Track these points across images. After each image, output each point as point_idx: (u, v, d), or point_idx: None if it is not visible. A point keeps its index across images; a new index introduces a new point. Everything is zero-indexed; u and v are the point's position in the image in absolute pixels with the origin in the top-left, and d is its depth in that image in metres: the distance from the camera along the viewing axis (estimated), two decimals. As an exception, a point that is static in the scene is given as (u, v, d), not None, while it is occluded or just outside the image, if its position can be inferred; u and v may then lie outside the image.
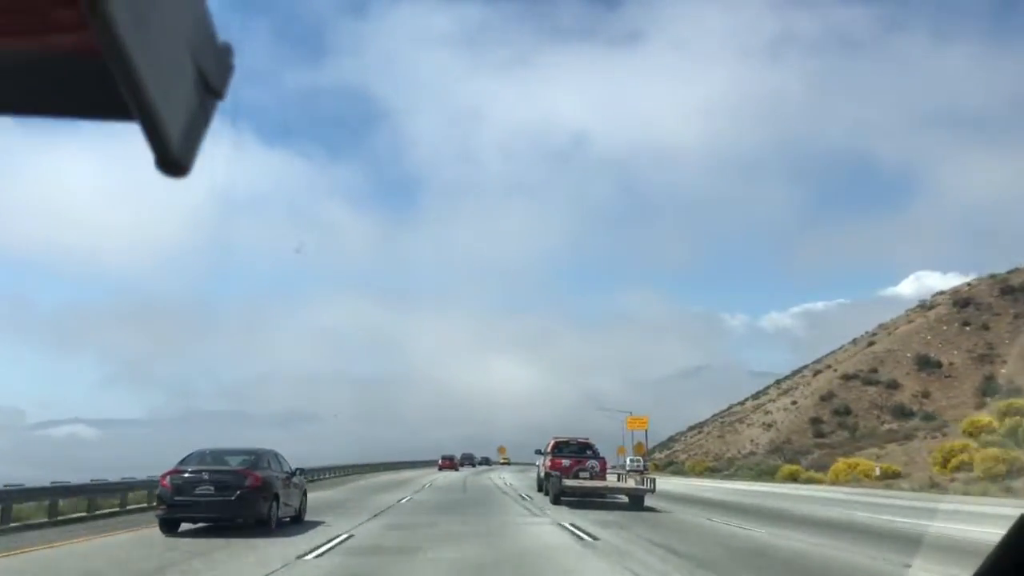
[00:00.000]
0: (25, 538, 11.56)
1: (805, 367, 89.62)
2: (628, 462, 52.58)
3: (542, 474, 24.53)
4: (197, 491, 11.53)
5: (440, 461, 60.02)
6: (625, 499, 20.46)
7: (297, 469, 13.92)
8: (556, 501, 19.87)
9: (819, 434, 67.28)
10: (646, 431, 68.79)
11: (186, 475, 11.64)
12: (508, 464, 74.05)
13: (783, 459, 55.40)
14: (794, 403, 76.46)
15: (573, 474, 21.86)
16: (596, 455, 24.00)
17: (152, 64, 0.65)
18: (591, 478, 22.27)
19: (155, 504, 13.16)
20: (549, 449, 24.05)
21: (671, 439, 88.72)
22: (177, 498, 11.42)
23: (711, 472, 58.62)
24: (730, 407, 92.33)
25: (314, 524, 13.31)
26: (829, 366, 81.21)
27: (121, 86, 0.65)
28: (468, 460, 74.25)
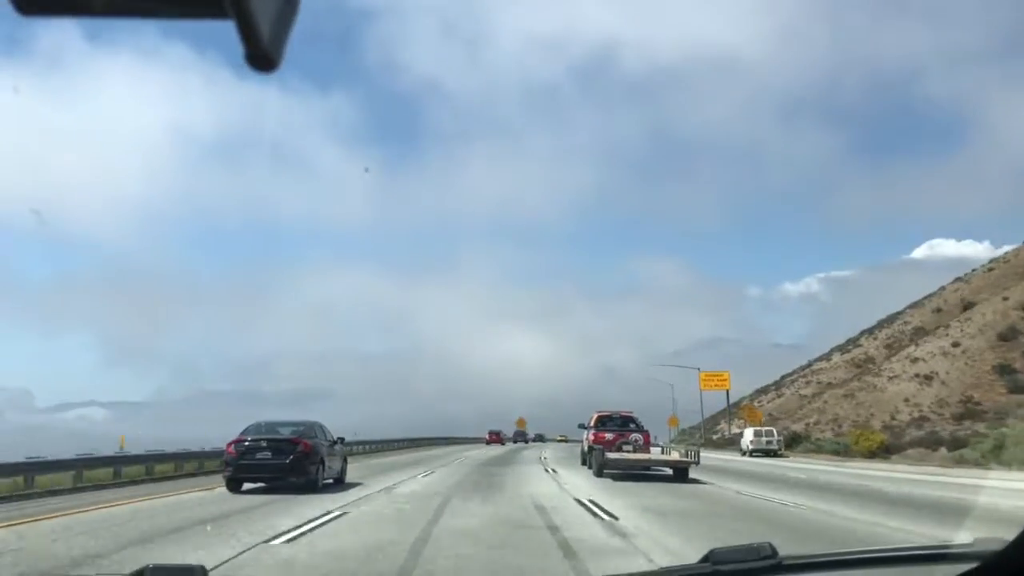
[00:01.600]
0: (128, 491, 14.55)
1: (902, 311, 79.18)
2: (750, 441, 42.61)
3: (585, 448, 25.39)
4: (257, 456, 14.13)
5: (488, 436, 64.82)
6: (670, 471, 20.76)
7: (339, 438, 16.45)
8: (599, 474, 20.44)
9: (1019, 387, 51.03)
10: (727, 391, 59.55)
11: (247, 443, 14.29)
12: (565, 442, 69.40)
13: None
14: (956, 346, 60.81)
15: (616, 447, 22.46)
16: (639, 428, 24.76)
17: None
18: (634, 451, 22.66)
19: (221, 467, 15.92)
20: (592, 423, 24.99)
21: (736, 406, 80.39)
22: (241, 461, 14.05)
23: (885, 452, 38.10)
24: (810, 363, 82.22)
25: (353, 484, 15.98)
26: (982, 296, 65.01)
27: None
28: (521, 437, 76.46)
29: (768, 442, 41.89)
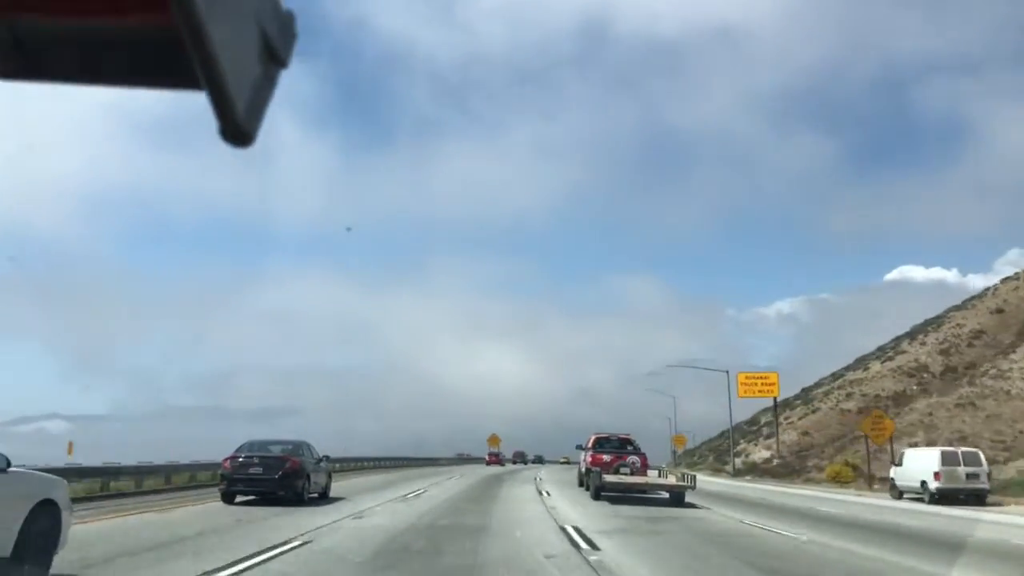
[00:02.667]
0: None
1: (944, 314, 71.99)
2: (935, 474, 23.88)
3: (583, 469, 25.73)
4: (250, 471, 15.93)
5: (488, 458, 68.93)
6: (666, 495, 20.88)
7: (324, 456, 18.11)
8: (596, 496, 20.60)
9: None
10: (775, 398, 50.15)
11: (241, 459, 16.10)
12: (568, 463, 66.61)
13: None
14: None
15: (613, 469, 22.78)
16: (637, 451, 25.02)
17: (223, 34, 0.69)
18: (631, 474, 23.02)
19: (217, 481, 17.40)
20: (590, 444, 25.29)
21: (755, 423, 72.40)
22: (235, 475, 15.84)
23: None
24: (837, 376, 71.71)
25: (336, 499, 17.65)
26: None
27: (193, 57, 0.69)
28: (520, 458, 78.28)
29: (973, 476, 24.13)
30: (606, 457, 23.82)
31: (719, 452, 68.49)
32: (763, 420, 68.83)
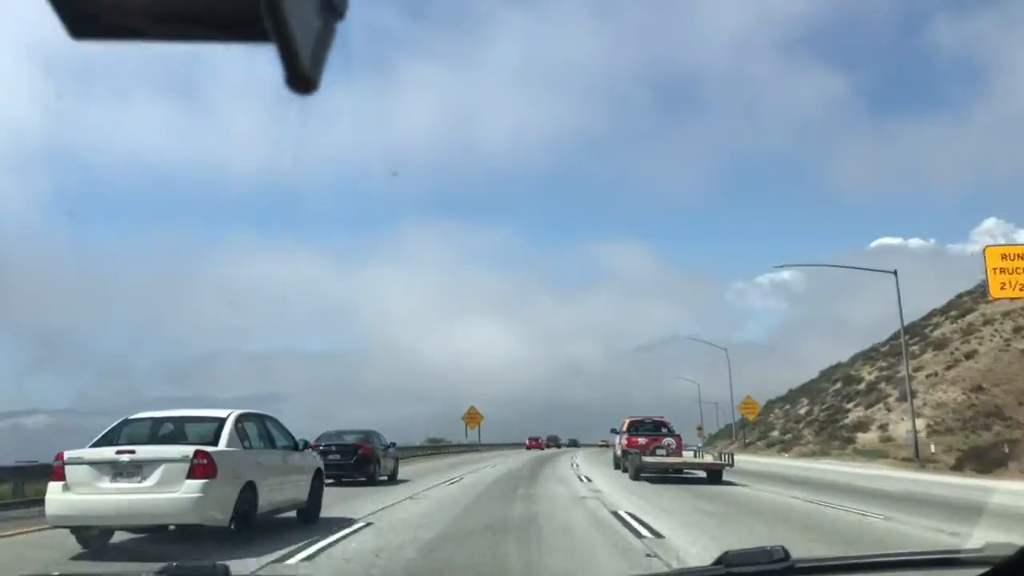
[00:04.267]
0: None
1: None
2: None
3: (619, 452, 27.11)
4: (328, 457, 18.49)
5: (528, 442, 73.00)
6: (703, 474, 21.77)
7: (392, 443, 20.71)
8: (636, 477, 21.49)
9: None
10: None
11: (321, 447, 18.68)
12: (607, 446, 63.09)
13: None
14: None
15: (650, 451, 23.80)
16: (671, 432, 26.38)
17: None
18: (667, 455, 24.22)
19: None
20: (625, 428, 26.80)
21: (766, 419, 65.70)
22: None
23: None
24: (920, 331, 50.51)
25: (403, 481, 20.32)
26: None
27: (264, 11, 0.76)
28: (553, 442, 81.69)
29: None
30: (642, 439, 25.11)
31: (795, 423, 56.71)
32: (870, 375, 52.15)
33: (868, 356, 58.67)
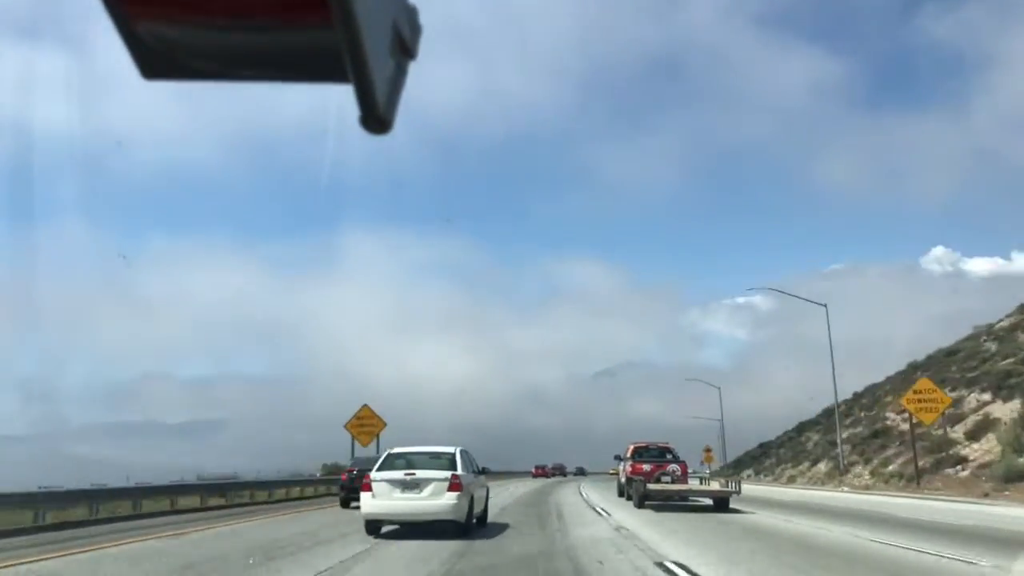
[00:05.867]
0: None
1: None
2: None
3: (623, 479, 27.15)
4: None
5: (534, 470, 75.32)
6: (710, 501, 21.54)
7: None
8: (640, 505, 21.30)
9: None
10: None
11: (355, 472, 20.74)
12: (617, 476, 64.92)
13: None
14: None
15: (655, 478, 23.81)
16: (676, 459, 26.33)
17: (370, 30, 0.78)
18: (673, 482, 24.20)
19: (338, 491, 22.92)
20: (629, 454, 26.72)
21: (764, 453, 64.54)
22: (351, 486, 20.53)
23: None
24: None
25: None
26: None
27: (345, 53, 0.78)
28: (558, 470, 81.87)
29: None
30: (646, 466, 25.16)
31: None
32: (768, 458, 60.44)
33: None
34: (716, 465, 62.60)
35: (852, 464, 40.88)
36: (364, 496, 13.09)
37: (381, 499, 12.88)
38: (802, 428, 61.85)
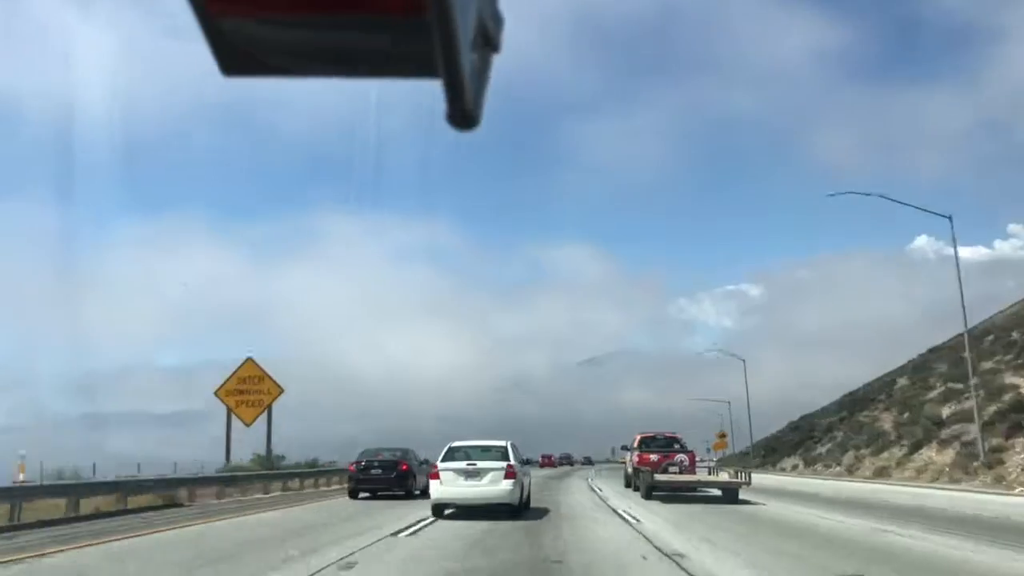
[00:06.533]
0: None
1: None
2: None
3: (630, 470, 27.05)
4: (371, 472, 20.94)
5: (541, 459, 76.47)
6: (718, 492, 21.18)
7: (425, 460, 22.94)
8: (648, 496, 21.02)
9: None
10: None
11: (363, 463, 21.10)
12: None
13: None
14: None
15: (662, 468, 23.55)
16: (684, 448, 26.27)
17: (461, 23, 0.77)
18: (680, 472, 23.84)
19: (346, 482, 23.15)
20: (635, 444, 26.69)
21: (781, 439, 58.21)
22: (360, 476, 20.81)
23: None
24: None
25: None
26: None
27: (437, 47, 0.77)
28: (566, 460, 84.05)
29: None
30: (653, 456, 25.07)
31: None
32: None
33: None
34: (724, 452, 60.48)
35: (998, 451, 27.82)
36: (433, 483, 15.43)
37: (447, 486, 15.12)
38: (854, 405, 49.61)
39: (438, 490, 15.14)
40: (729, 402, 58.58)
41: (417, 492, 22.05)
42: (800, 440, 52.92)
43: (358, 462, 21.69)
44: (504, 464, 15.20)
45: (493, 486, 14.91)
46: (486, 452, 15.73)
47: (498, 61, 0.91)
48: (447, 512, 15.35)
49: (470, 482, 15.04)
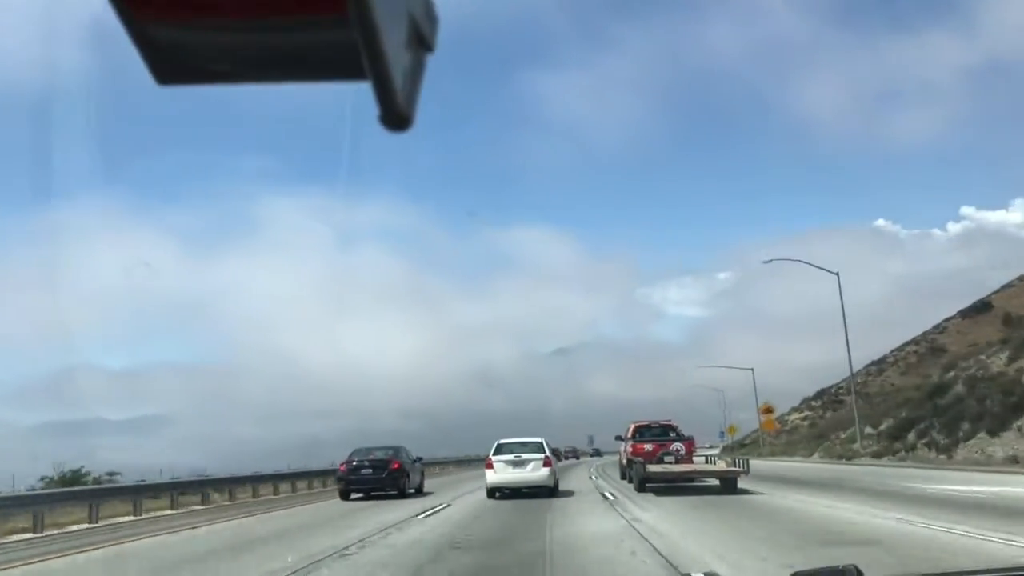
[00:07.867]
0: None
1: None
2: None
3: (624, 461, 26.47)
4: (362, 472, 20.83)
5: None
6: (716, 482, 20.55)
7: (418, 457, 22.88)
8: (641, 488, 20.43)
9: None
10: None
11: (354, 463, 20.99)
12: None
13: None
14: None
15: (657, 459, 22.96)
16: (680, 437, 25.26)
17: (387, 24, 0.76)
18: (676, 462, 22.93)
19: (336, 482, 22.88)
20: (629, 434, 25.95)
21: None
22: (350, 476, 20.68)
23: None
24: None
25: (428, 493, 22.70)
26: None
27: (362, 48, 0.76)
28: (572, 454, 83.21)
29: None
30: (647, 446, 24.45)
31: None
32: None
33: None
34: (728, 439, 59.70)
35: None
36: (488, 472, 19.66)
37: (500, 473, 19.46)
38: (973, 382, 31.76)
39: (493, 477, 19.41)
40: (752, 368, 55.71)
41: (411, 491, 22.09)
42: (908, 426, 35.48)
43: (348, 462, 21.54)
44: (542, 456, 19.63)
45: (535, 473, 19.29)
46: (527, 446, 19.96)
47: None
48: (497, 495, 19.36)
49: (517, 470, 19.39)
